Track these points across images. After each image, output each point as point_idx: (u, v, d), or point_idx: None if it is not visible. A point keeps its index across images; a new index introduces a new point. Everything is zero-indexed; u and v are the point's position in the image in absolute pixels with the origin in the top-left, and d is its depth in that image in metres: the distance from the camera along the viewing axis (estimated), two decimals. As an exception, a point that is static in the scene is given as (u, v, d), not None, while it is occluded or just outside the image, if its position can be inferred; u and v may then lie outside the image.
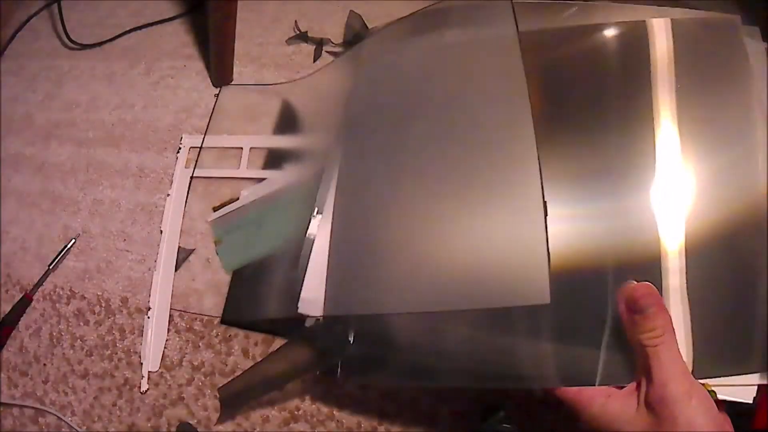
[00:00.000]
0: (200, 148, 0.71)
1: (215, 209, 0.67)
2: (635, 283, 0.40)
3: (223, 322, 0.61)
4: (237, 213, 0.66)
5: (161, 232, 0.66)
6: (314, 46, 0.80)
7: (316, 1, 0.83)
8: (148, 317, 0.62)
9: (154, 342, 0.61)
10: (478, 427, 0.57)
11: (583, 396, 0.40)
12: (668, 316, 0.39)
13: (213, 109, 0.74)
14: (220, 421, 0.57)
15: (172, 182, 0.69)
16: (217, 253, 0.65)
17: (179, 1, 0.84)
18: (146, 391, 0.59)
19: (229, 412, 0.57)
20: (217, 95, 0.75)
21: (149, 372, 0.60)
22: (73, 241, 0.66)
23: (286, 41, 0.80)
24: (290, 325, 0.51)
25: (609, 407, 0.38)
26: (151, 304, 0.63)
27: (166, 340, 0.61)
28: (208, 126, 0.72)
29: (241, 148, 0.70)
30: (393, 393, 0.59)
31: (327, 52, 0.80)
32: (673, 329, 0.39)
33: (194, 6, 0.83)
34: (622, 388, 0.40)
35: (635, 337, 0.39)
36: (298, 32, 0.80)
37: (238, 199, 0.67)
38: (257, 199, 0.66)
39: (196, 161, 0.70)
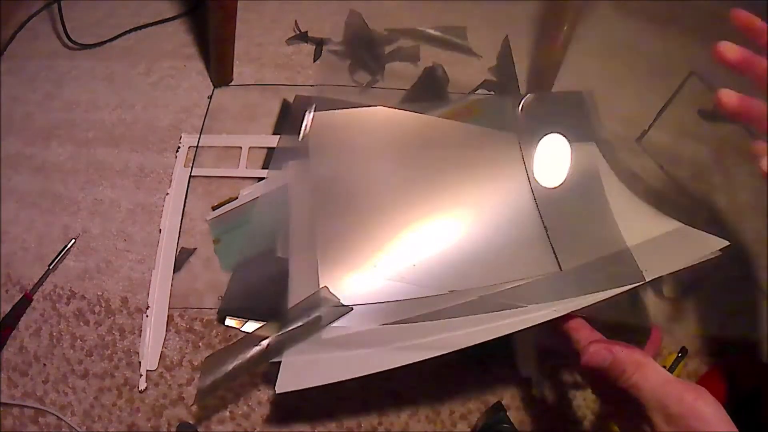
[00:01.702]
0: (197, 147, 0.71)
1: (214, 208, 0.67)
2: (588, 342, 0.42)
3: (220, 319, 0.61)
4: (236, 212, 0.67)
5: (160, 230, 0.66)
6: (314, 46, 0.80)
7: (316, 1, 0.83)
8: (147, 315, 0.62)
9: (152, 340, 0.61)
10: (478, 427, 0.57)
11: None
12: (630, 350, 0.40)
13: (207, 111, 0.74)
14: (199, 394, 0.55)
15: (171, 181, 0.69)
16: (216, 252, 0.65)
17: (179, 1, 0.84)
18: (144, 389, 0.59)
19: (210, 384, 0.54)
20: (210, 96, 0.75)
21: (147, 371, 0.60)
22: (73, 241, 0.66)
23: (286, 41, 0.80)
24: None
25: None
26: (149, 303, 0.63)
27: (167, 341, 0.61)
28: (203, 126, 0.73)
29: (240, 148, 0.71)
30: (395, 392, 0.59)
31: (327, 52, 0.80)
32: (641, 352, 0.40)
33: (194, 6, 0.83)
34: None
35: (617, 387, 0.40)
36: (298, 32, 0.80)
37: (237, 198, 0.67)
38: (256, 199, 0.66)
39: (194, 160, 0.70)
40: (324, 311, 0.55)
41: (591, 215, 0.63)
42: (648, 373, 0.39)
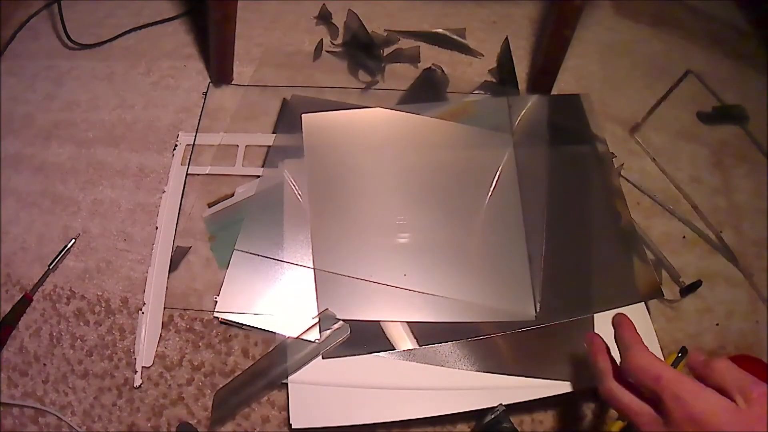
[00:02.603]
0: (193, 145, 0.71)
1: (210, 205, 0.67)
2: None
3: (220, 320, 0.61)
4: (231, 209, 0.67)
5: (156, 228, 0.66)
6: (315, 45, 0.80)
7: (316, 1, 0.83)
8: (143, 312, 0.62)
9: (147, 337, 0.61)
10: (477, 426, 0.57)
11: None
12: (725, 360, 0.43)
13: (202, 108, 0.74)
14: (212, 424, 0.58)
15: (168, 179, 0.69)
16: (212, 249, 0.65)
17: (179, 1, 0.84)
18: (140, 385, 0.59)
19: (223, 415, 0.58)
20: (205, 93, 0.75)
21: (143, 367, 0.60)
22: (73, 241, 0.66)
23: (314, 17, 0.82)
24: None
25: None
26: (145, 300, 0.63)
27: (167, 341, 0.61)
28: (198, 124, 0.73)
29: (237, 146, 0.71)
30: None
31: (327, 51, 0.80)
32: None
33: (194, 6, 0.83)
34: None
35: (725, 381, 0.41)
36: (320, 16, 0.81)
37: (233, 195, 0.67)
38: (252, 196, 0.67)
39: (190, 158, 0.70)
40: (325, 334, 0.58)
41: (574, 252, 0.66)
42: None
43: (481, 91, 0.77)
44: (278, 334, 0.60)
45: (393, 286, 0.61)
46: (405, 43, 0.81)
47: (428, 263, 0.62)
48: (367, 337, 0.59)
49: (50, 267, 0.64)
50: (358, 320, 0.59)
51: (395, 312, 0.60)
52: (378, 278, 0.61)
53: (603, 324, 0.60)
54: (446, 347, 0.59)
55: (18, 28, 0.80)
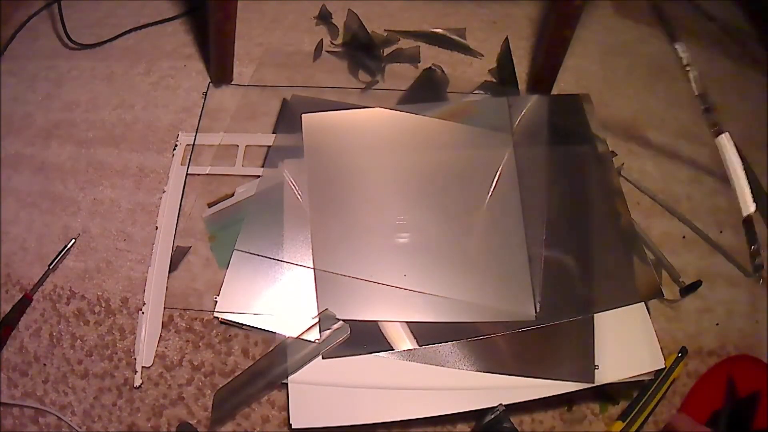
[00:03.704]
0: (193, 145, 0.71)
1: (210, 205, 0.67)
2: None
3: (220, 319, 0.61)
4: (232, 209, 0.67)
5: (156, 228, 0.66)
6: (314, 46, 0.80)
7: (316, 1, 0.83)
8: (143, 312, 0.62)
9: (147, 337, 0.61)
10: (477, 426, 0.57)
11: None
12: None
13: (202, 108, 0.74)
14: (212, 424, 0.58)
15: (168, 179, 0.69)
16: (212, 249, 0.65)
17: (179, 1, 0.84)
18: (140, 385, 0.59)
19: (223, 415, 0.58)
20: (205, 93, 0.75)
21: (143, 367, 0.60)
22: (73, 241, 0.66)
23: (313, 17, 0.82)
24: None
25: None
26: (145, 300, 0.63)
27: (167, 341, 0.61)
28: (198, 124, 0.73)
29: (237, 146, 0.71)
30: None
31: (327, 51, 0.80)
32: None
33: (194, 6, 0.83)
34: None
35: None
36: (320, 16, 0.81)
37: (233, 195, 0.67)
38: (252, 196, 0.67)
39: (190, 157, 0.70)
40: (325, 334, 0.58)
41: (574, 246, 0.66)
42: None
43: (481, 91, 0.77)
44: (278, 334, 0.60)
45: (393, 286, 0.61)
46: (405, 43, 0.81)
47: (428, 263, 0.62)
48: (367, 337, 0.59)
49: (50, 267, 0.64)
50: (358, 320, 0.59)
51: (395, 312, 0.60)
52: (378, 278, 0.61)
53: (603, 324, 0.60)
54: (446, 347, 0.59)
55: (18, 28, 0.80)
